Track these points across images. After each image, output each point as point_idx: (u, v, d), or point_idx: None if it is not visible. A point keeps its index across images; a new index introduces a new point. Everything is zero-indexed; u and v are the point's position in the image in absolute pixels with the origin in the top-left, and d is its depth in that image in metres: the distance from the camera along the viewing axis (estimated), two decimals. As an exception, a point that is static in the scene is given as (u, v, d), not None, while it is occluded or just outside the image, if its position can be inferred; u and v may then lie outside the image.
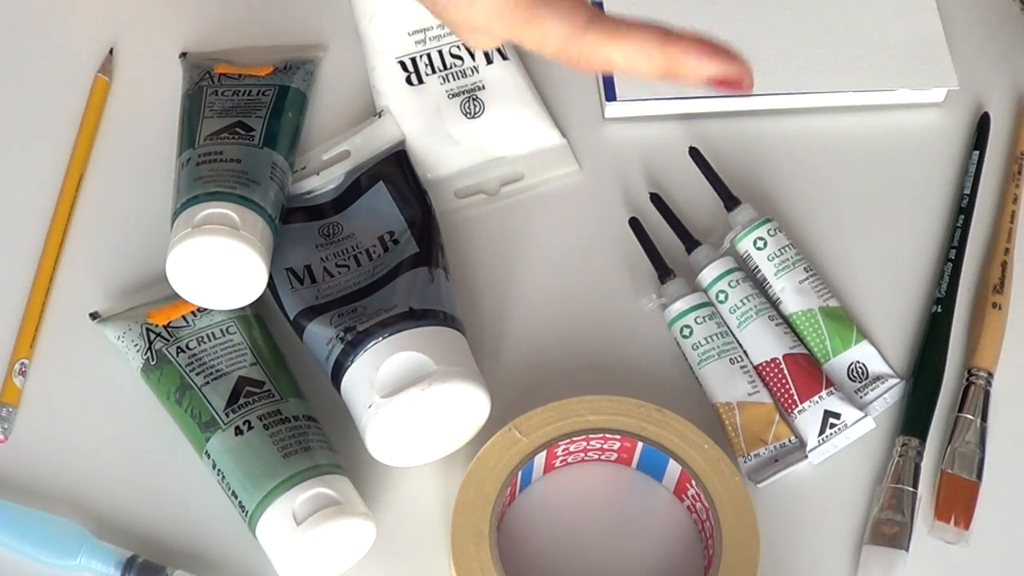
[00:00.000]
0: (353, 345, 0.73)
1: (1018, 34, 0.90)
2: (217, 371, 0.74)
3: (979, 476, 0.76)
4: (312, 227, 0.79)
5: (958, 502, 0.75)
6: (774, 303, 0.80)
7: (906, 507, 0.74)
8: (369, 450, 0.72)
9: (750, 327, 0.78)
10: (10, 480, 0.74)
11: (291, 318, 0.76)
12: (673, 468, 0.73)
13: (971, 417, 0.77)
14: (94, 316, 0.77)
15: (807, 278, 0.79)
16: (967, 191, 0.84)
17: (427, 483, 0.75)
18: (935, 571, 0.74)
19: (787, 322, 0.79)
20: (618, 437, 0.73)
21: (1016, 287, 0.81)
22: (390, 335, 0.72)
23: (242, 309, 0.77)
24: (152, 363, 0.75)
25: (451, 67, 0.85)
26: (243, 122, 0.80)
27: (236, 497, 0.71)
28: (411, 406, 0.71)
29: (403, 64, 0.85)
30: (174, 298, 0.76)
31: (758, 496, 0.75)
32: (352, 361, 0.72)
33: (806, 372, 0.77)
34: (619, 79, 0.85)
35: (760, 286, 0.80)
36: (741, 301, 0.78)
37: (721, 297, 0.79)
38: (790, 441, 0.77)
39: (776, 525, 0.74)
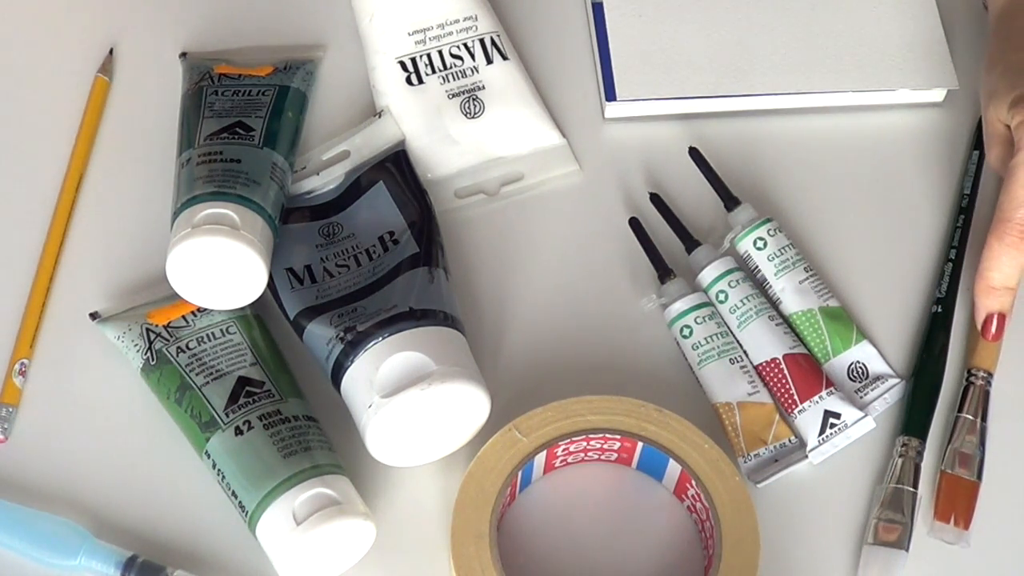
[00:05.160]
0: (353, 345, 0.73)
1: (1018, 34, 0.90)
2: (217, 371, 0.74)
3: (979, 476, 0.76)
4: (312, 227, 0.79)
5: (958, 502, 0.75)
6: (774, 303, 0.80)
7: (906, 507, 0.74)
8: (369, 450, 0.72)
9: (750, 327, 0.78)
10: (10, 480, 0.74)
11: (291, 318, 0.76)
12: (673, 468, 0.73)
13: (971, 417, 0.77)
14: (94, 316, 0.77)
15: (807, 278, 0.79)
16: (967, 191, 0.84)
17: (427, 483, 0.75)
18: (935, 571, 0.74)
19: (787, 322, 0.79)
20: (618, 437, 0.73)
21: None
22: (390, 335, 0.72)
23: (242, 309, 0.77)
24: (152, 363, 0.75)
25: (451, 67, 0.85)
26: (243, 122, 0.80)
27: (236, 497, 0.71)
28: (411, 406, 0.71)
29: (403, 64, 0.85)
30: (174, 298, 0.76)
31: (758, 496, 0.75)
32: (352, 361, 0.72)
33: (806, 372, 0.77)
34: (619, 78, 0.85)
35: (760, 286, 0.80)
36: (741, 301, 0.78)
37: (721, 297, 0.79)
38: (790, 441, 0.76)
39: (776, 525, 0.74)
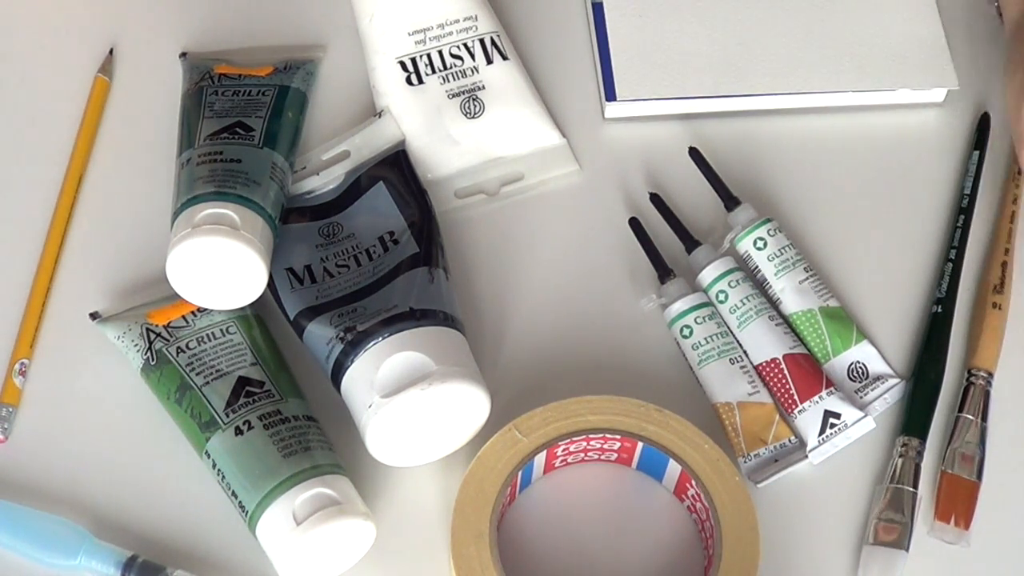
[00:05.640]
0: (353, 345, 0.73)
1: (1018, 34, 0.90)
2: (217, 371, 0.74)
3: (979, 476, 0.76)
4: (312, 227, 0.79)
5: (958, 502, 0.75)
6: (774, 303, 0.80)
7: (906, 507, 0.74)
8: (369, 450, 0.72)
9: (750, 327, 0.78)
10: (10, 480, 0.74)
11: (291, 318, 0.76)
12: (673, 468, 0.73)
13: (971, 417, 0.77)
14: (94, 316, 0.77)
15: (807, 278, 0.79)
16: (967, 191, 0.84)
17: (427, 483, 0.75)
18: (935, 571, 0.74)
19: (787, 322, 0.79)
20: (618, 437, 0.73)
21: (1016, 287, 0.81)
22: (390, 335, 0.72)
23: (242, 309, 0.77)
24: (152, 363, 0.75)
25: (451, 67, 0.85)
26: (243, 122, 0.80)
27: (236, 497, 0.71)
28: (411, 406, 0.71)
29: (403, 64, 0.85)
30: (174, 298, 0.76)
31: (758, 496, 0.75)
32: (352, 361, 0.72)
33: (806, 372, 0.77)
34: (619, 78, 0.85)
35: (760, 286, 0.80)
36: (741, 301, 0.78)
37: (721, 297, 0.79)
38: (790, 441, 0.76)
39: (776, 525, 0.74)
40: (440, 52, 0.85)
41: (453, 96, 0.84)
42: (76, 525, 0.72)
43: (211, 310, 0.76)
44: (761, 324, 0.78)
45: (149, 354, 0.75)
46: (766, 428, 0.76)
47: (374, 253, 0.78)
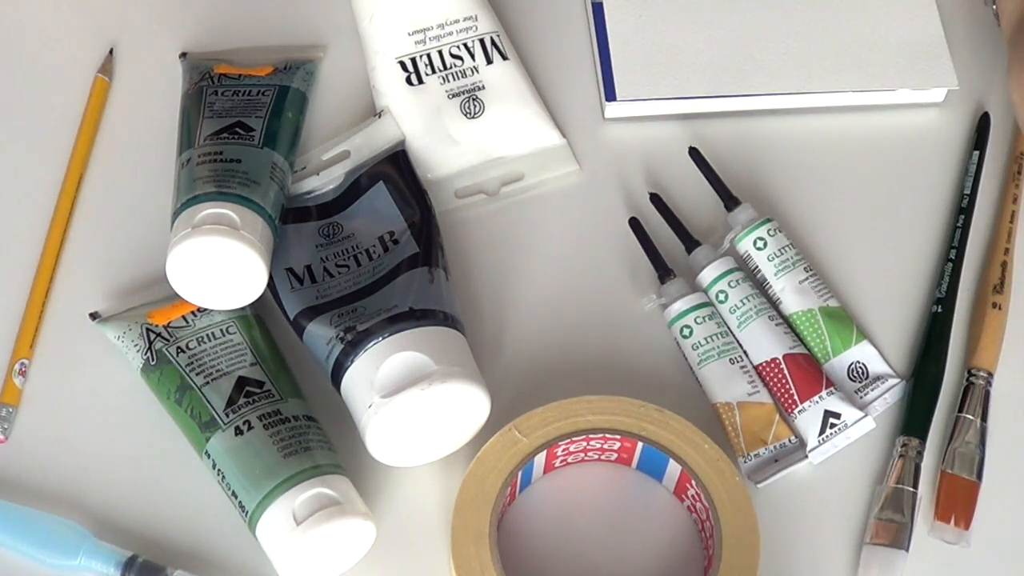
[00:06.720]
0: (353, 345, 0.73)
1: (1018, 34, 0.90)
2: (217, 371, 0.74)
3: (979, 476, 0.76)
4: (312, 227, 0.79)
5: (958, 502, 0.75)
6: (774, 303, 0.80)
7: (906, 507, 0.74)
8: (369, 450, 0.72)
9: (750, 327, 0.78)
10: (10, 480, 0.74)
11: (291, 318, 0.76)
12: (673, 468, 0.73)
13: (971, 417, 0.77)
14: (94, 316, 0.77)
15: (807, 278, 0.79)
16: (967, 191, 0.84)
17: (427, 483, 0.75)
18: (935, 571, 0.74)
19: (787, 322, 0.79)
20: (618, 437, 0.73)
21: (1016, 287, 0.81)
22: (390, 335, 0.72)
23: (242, 309, 0.77)
24: (152, 363, 0.75)
25: (451, 67, 0.85)
26: (243, 122, 0.80)
27: (236, 497, 0.71)
28: (411, 406, 0.71)
29: (403, 64, 0.85)
30: (174, 298, 0.76)
31: (758, 496, 0.75)
32: (352, 361, 0.72)
33: (806, 372, 0.77)
34: (619, 78, 0.85)
35: (760, 286, 0.80)
36: (741, 301, 0.78)
37: (721, 297, 0.79)
38: (790, 441, 0.77)
39: (776, 525, 0.74)
40: (440, 52, 0.85)
41: (453, 96, 0.85)
42: (76, 525, 0.72)
43: (211, 310, 0.76)
44: (761, 324, 0.78)
45: (149, 354, 0.75)
46: (766, 428, 0.76)
47: (374, 253, 0.78)
